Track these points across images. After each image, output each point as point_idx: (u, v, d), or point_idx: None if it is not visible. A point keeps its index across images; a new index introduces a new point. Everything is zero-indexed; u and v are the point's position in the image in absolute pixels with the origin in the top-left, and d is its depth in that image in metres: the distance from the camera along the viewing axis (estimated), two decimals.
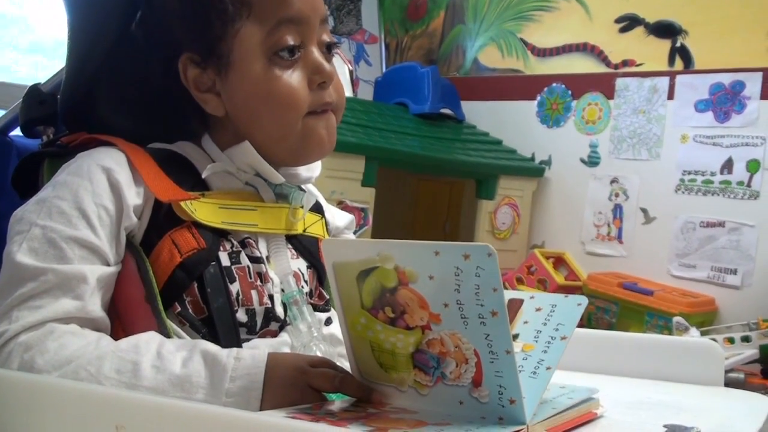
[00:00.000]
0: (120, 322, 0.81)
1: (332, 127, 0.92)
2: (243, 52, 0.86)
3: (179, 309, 0.82)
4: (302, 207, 0.94)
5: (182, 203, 0.84)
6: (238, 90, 0.87)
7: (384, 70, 3.14)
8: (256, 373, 0.72)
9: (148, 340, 0.75)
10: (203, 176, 0.88)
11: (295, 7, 0.86)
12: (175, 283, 0.82)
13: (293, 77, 0.87)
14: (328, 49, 0.91)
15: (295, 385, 0.72)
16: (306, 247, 0.95)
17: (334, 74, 0.90)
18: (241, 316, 0.84)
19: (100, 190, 0.81)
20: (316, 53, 0.89)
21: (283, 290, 0.88)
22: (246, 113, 0.89)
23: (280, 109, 0.87)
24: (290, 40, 0.86)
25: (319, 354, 0.84)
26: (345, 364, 0.75)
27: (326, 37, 0.91)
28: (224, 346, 0.78)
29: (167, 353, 0.73)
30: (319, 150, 0.91)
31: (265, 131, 0.89)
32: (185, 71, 0.88)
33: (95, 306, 0.78)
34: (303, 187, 0.99)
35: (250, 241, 0.89)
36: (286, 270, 0.89)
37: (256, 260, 0.88)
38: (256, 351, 0.74)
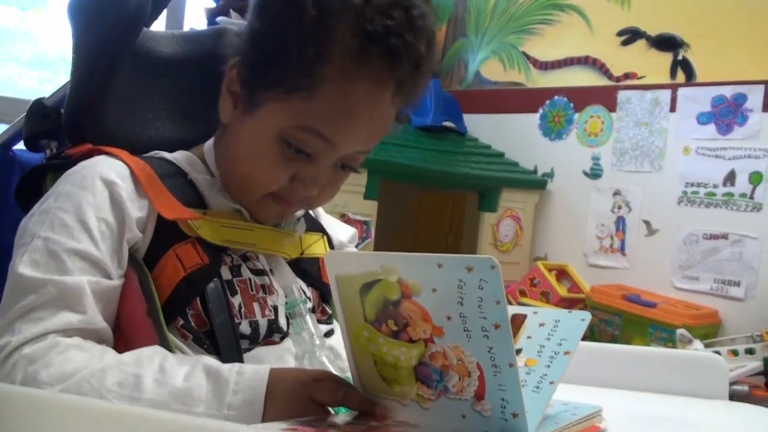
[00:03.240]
0: (122, 336, 0.81)
1: (288, 212, 0.93)
2: (268, 116, 0.84)
3: (182, 322, 0.82)
4: (295, 231, 0.95)
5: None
6: (245, 130, 0.87)
7: None
8: (258, 386, 0.72)
9: (151, 354, 0.75)
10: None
11: (335, 133, 0.83)
12: (179, 298, 0.82)
13: (283, 166, 0.85)
14: (343, 168, 0.89)
15: (298, 398, 0.72)
16: (306, 270, 0.95)
17: (322, 186, 0.88)
18: (245, 328, 0.84)
19: (102, 204, 0.81)
20: (322, 168, 0.86)
21: (287, 302, 0.88)
22: (236, 147, 0.89)
23: (254, 178, 0.87)
24: (303, 146, 0.84)
25: (325, 360, 0.84)
26: (347, 378, 0.75)
27: (353, 162, 0.89)
28: (225, 358, 0.78)
29: (170, 367, 0.73)
30: (265, 220, 0.92)
31: (236, 176, 0.89)
32: (233, 68, 0.88)
33: (97, 317, 0.78)
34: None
35: (251, 254, 0.89)
36: (289, 280, 0.90)
37: (259, 273, 0.88)
38: (259, 366, 0.74)
